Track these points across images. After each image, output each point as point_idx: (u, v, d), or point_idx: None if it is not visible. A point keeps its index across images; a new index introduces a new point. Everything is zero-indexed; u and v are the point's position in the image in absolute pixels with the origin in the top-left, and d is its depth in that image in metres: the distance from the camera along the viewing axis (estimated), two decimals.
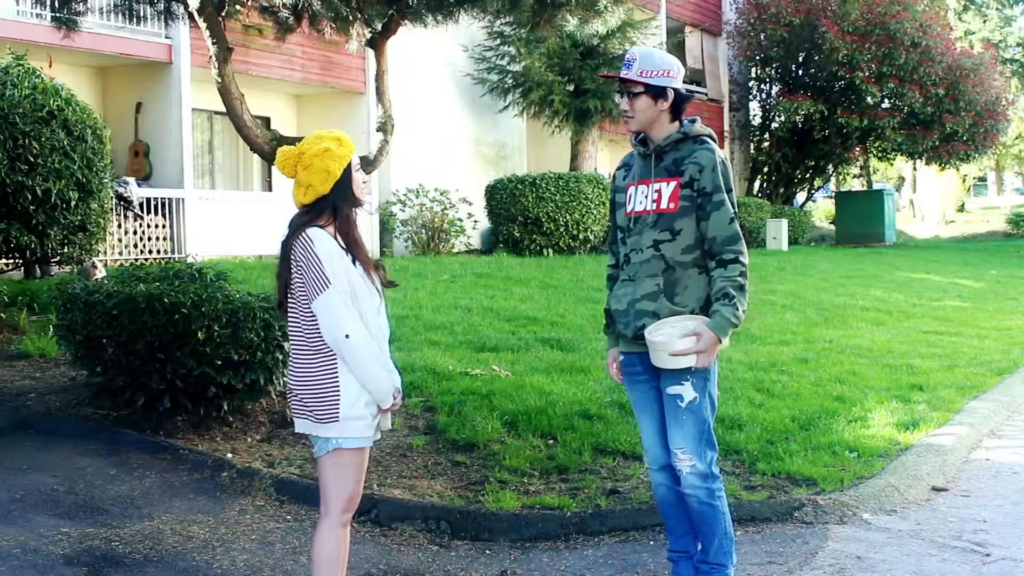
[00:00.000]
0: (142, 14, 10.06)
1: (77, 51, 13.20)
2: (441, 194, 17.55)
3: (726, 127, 28.05)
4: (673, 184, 3.75)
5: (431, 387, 6.92)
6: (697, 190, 3.72)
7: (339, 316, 3.37)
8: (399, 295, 10.12)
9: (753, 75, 29.32)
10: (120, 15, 11.44)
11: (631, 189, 3.88)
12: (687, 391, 3.72)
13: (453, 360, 7.67)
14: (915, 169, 40.39)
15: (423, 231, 17.31)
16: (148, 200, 14.26)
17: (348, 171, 3.50)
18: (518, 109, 19.70)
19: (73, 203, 8.33)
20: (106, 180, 8.96)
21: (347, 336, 3.36)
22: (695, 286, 3.76)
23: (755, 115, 30.02)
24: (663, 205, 3.75)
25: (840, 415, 6.58)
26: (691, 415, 3.73)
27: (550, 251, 17.09)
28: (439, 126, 18.85)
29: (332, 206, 3.48)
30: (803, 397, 7.08)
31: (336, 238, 3.46)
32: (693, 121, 3.84)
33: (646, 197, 3.80)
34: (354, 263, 3.45)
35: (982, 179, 56.21)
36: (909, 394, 7.35)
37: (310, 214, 3.49)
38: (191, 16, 7.95)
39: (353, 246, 3.48)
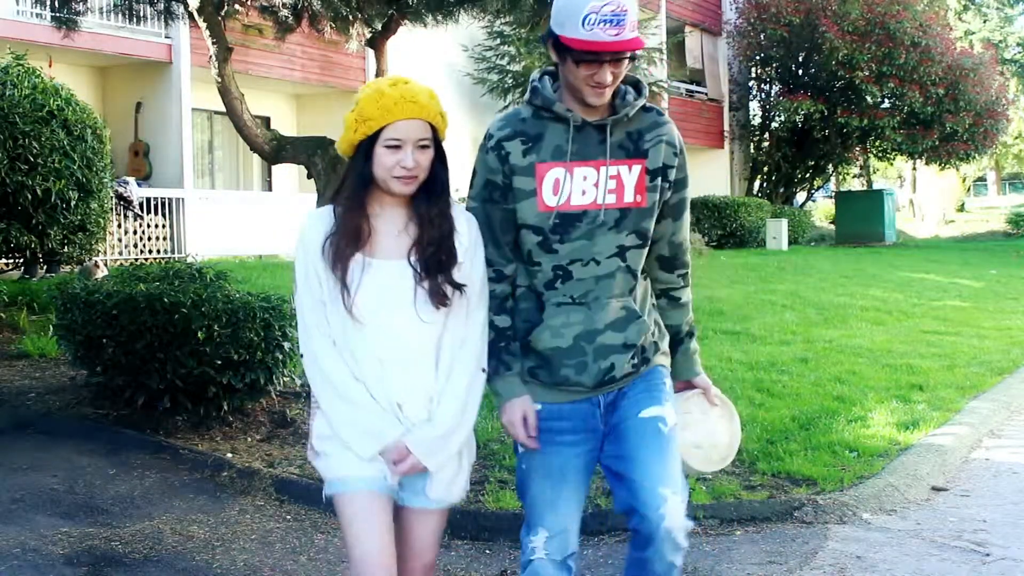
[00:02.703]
0: (142, 14, 10.06)
1: (77, 51, 13.22)
2: None
3: (726, 127, 28.06)
4: (637, 168, 2.71)
5: None
6: (671, 181, 2.76)
7: (300, 323, 2.67)
8: None
9: (753, 75, 29.30)
10: (120, 15, 11.44)
11: (556, 170, 2.68)
12: (669, 412, 2.79)
13: None
14: (915, 169, 40.39)
15: None
16: (148, 200, 14.27)
17: (371, 143, 2.55)
18: None
19: (73, 203, 8.34)
20: (106, 180, 8.97)
21: (301, 355, 2.67)
22: (645, 296, 2.86)
23: (755, 115, 29.99)
24: (628, 198, 2.70)
25: (840, 415, 6.58)
26: (673, 444, 2.78)
27: None
28: None
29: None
30: (803, 397, 7.08)
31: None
32: (638, 83, 2.80)
33: (596, 186, 2.68)
34: (334, 268, 2.58)
35: (982, 179, 56.19)
36: (909, 394, 7.35)
37: (337, 183, 2.69)
38: (191, 16, 7.95)
39: (336, 248, 2.59)
